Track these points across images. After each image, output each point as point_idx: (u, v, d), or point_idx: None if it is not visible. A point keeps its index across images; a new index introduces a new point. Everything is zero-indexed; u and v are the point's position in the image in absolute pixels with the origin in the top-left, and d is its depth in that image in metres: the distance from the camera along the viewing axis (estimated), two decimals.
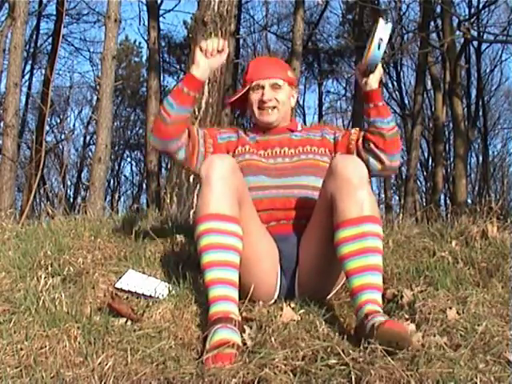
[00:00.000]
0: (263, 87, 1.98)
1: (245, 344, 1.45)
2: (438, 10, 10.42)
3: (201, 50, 1.89)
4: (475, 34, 10.71)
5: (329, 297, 1.87)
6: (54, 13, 12.06)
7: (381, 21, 1.84)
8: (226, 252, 1.60)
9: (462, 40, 9.70)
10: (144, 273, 1.98)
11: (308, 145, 1.99)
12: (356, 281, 1.57)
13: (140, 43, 19.89)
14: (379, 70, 1.91)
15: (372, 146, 1.90)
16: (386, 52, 2.07)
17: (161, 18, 11.53)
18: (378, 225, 1.63)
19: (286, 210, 1.87)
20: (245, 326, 1.52)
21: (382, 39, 1.82)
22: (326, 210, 1.69)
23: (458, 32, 8.94)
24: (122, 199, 21.12)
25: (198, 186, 3.94)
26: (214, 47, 1.88)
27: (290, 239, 1.84)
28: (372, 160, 1.91)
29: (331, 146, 2.00)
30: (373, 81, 1.90)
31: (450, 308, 1.64)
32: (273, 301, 1.81)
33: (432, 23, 11.67)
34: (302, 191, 1.88)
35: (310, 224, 1.80)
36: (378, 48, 1.82)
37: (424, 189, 17.29)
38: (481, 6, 11.88)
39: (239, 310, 1.58)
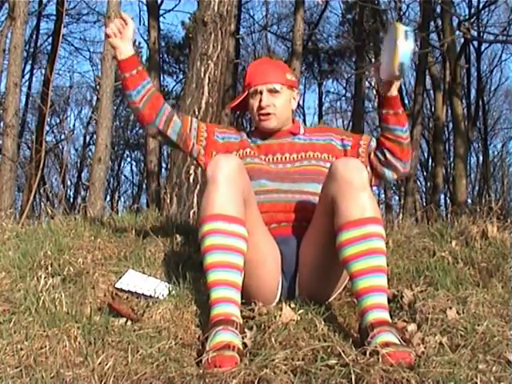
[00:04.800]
0: (261, 93, 1.95)
1: (246, 346, 1.45)
2: (438, 10, 10.42)
3: (108, 36, 1.97)
4: (475, 34, 10.71)
5: (329, 301, 1.85)
6: (54, 13, 12.09)
7: (399, 28, 1.75)
8: (230, 253, 1.59)
9: (462, 40, 9.70)
10: (144, 273, 1.98)
11: (311, 150, 1.97)
12: (361, 283, 1.54)
13: (140, 43, 19.90)
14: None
15: (389, 155, 1.90)
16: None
17: (161, 18, 11.53)
18: (381, 226, 1.61)
19: (287, 213, 1.86)
20: (245, 329, 1.51)
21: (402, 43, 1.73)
22: (326, 213, 1.67)
23: (457, 32, 8.94)
24: (122, 199, 21.12)
25: (198, 185, 3.98)
26: (117, 27, 1.96)
27: (290, 241, 1.83)
28: (388, 172, 1.94)
29: (337, 152, 1.97)
30: (395, 86, 1.86)
31: (450, 308, 1.64)
32: (274, 303, 1.81)
33: (432, 23, 11.68)
34: (304, 196, 1.88)
35: (311, 227, 1.79)
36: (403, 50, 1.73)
37: (424, 189, 17.29)
38: (481, 5, 11.89)
39: (240, 311, 1.58)
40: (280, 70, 2.03)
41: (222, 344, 1.39)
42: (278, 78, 1.97)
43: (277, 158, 1.96)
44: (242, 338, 1.47)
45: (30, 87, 14.36)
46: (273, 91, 1.95)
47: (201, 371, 1.29)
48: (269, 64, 2.07)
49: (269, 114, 1.95)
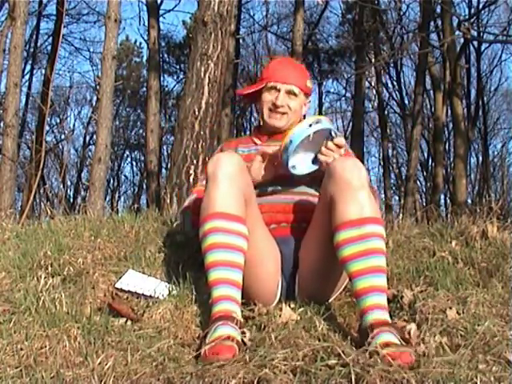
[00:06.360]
0: (279, 90, 1.96)
1: (245, 344, 1.45)
2: (438, 10, 10.42)
3: (263, 154, 1.85)
4: (475, 34, 10.71)
5: (329, 301, 1.85)
6: (54, 13, 12.07)
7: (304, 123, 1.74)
8: (231, 252, 1.59)
9: (462, 40, 9.70)
10: (144, 273, 1.98)
11: None
12: (360, 283, 1.53)
13: (140, 43, 19.92)
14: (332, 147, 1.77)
15: None
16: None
17: (161, 18, 11.52)
18: (381, 225, 1.60)
19: (287, 213, 1.86)
20: (245, 329, 1.51)
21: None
22: (325, 213, 1.67)
23: (457, 32, 8.93)
24: (122, 199, 21.16)
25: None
26: (275, 152, 1.83)
27: (290, 242, 1.83)
28: None
29: None
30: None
31: (450, 308, 1.64)
32: (274, 303, 1.80)
33: (432, 23, 11.68)
34: (303, 197, 1.88)
35: (310, 227, 1.79)
36: (290, 143, 1.73)
37: (424, 189, 17.28)
38: (481, 6, 11.88)
39: (240, 311, 1.57)
40: (302, 74, 2.04)
41: (221, 338, 1.40)
42: (298, 82, 1.99)
43: (277, 163, 1.96)
44: (243, 333, 1.47)
45: (30, 87, 14.36)
46: (291, 93, 1.97)
47: (200, 372, 1.29)
48: (293, 65, 2.08)
49: (282, 113, 1.96)
